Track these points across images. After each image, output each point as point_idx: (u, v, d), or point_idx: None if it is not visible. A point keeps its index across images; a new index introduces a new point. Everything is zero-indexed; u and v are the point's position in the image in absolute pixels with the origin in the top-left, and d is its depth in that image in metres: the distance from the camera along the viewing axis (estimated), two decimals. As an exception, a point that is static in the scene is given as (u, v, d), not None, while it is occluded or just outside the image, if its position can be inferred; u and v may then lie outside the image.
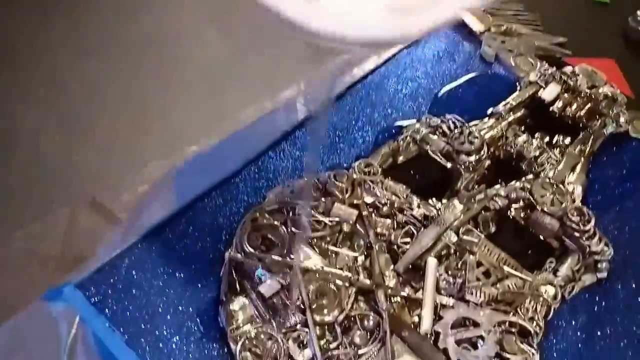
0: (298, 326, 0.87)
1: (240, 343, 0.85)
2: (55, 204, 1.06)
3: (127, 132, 1.21)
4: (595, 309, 0.98)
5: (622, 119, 1.22)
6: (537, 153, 1.14)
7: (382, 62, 1.30)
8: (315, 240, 0.97)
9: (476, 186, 1.08)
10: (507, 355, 0.87)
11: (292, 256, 0.93)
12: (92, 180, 1.14)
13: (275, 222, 0.98)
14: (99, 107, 1.25)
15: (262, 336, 0.86)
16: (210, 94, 1.28)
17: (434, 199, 1.06)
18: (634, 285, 1.01)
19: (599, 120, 1.22)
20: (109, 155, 1.18)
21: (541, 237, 1.04)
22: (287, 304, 0.89)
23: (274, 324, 0.88)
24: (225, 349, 0.88)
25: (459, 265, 0.96)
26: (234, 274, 0.92)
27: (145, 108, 1.25)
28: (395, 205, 1.03)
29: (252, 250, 0.93)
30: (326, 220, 0.99)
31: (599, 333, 0.95)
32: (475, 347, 0.87)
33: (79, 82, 1.29)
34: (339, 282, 0.92)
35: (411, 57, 1.34)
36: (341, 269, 0.94)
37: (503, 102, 1.23)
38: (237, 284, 0.92)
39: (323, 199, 1.02)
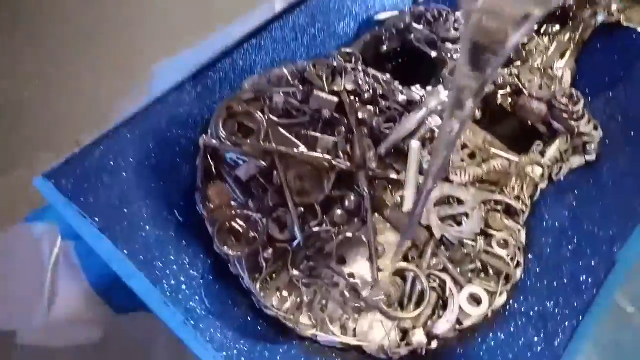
0: (278, 208, 0.84)
1: (217, 225, 0.82)
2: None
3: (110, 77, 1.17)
4: (583, 190, 0.96)
5: (614, 8, 1.17)
6: (525, 40, 1.09)
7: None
8: (294, 127, 0.93)
9: (462, 74, 1.04)
10: (492, 232, 0.86)
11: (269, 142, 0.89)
12: (75, 126, 1.11)
13: (253, 109, 0.93)
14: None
15: (241, 218, 0.84)
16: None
17: (418, 85, 1.02)
18: (622, 168, 0.98)
19: (590, 9, 1.17)
20: (93, 100, 1.15)
21: (529, 123, 1.01)
22: (266, 187, 0.86)
23: (253, 207, 0.85)
24: (203, 237, 0.85)
25: (444, 148, 0.93)
26: (210, 161, 0.88)
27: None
28: (378, 92, 0.99)
29: (227, 136, 0.89)
30: (305, 107, 0.95)
31: (586, 212, 0.93)
32: (459, 224, 0.85)
33: (61, 26, 1.24)
34: (319, 166, 0.88)
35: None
36: (322, 154, 0.90)
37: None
38: (214, 170, 0.88)
39: (302, 87, 0.97)
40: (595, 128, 0.98)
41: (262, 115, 0.92)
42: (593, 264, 0.88)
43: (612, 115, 1.05)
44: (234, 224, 0.83)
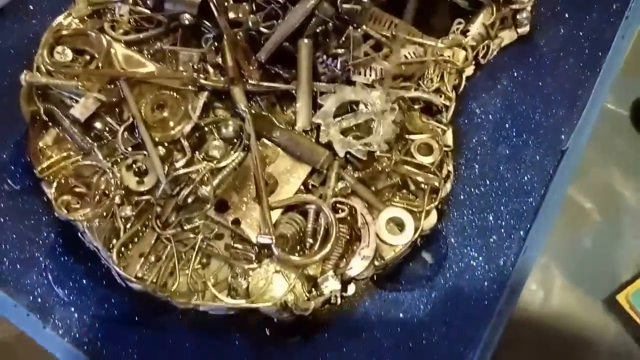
0: (133, 151, 0.65)
1: (55, 185, 0.62)
2: None
3: None
4: (518, 70, 0.78)
5: None
6: None
7: None
8: (143, 43, 0.72)
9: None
10: (412, 137, 0.68)
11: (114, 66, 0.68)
12: None
13: (88, 28, 0.71)
14: None
15: (85, 171, 0.64)
16: None
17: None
18: (562, 37, 0.81)
19: None
20: None
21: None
22: (112, 127, 0.66)
23: (99, 154, 0.65)
24: (44, 198, 0.66)
25: (341, 43, 0.73)
26: (38, 102, 0.67)
27: None
28: (253, -16, 0.77)
29: (55, 66, 0.67)
30: (159, 16, 0.73)
31: (523, 98, 0.76)
32: (369, 134, 0.67)
33: None
34: (181, 87, 0.68)
35: None
36: (184, 72, 0.70)
37: None
38: (45, 114, 0.67)
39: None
40: (526, -8, 0.79)
41: (99, 34, 0.70)
42: (538, 158, 0.72)
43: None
44: (76, 180, 0.63)
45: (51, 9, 0.77)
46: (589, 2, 0.83)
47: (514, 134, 0.73)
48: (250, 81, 0.69)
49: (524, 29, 0.79)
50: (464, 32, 0.77)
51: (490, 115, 0.74)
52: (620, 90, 0.92)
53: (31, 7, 0.78)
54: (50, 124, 0.67)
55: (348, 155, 0.65)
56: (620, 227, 0.86)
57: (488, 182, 0.70)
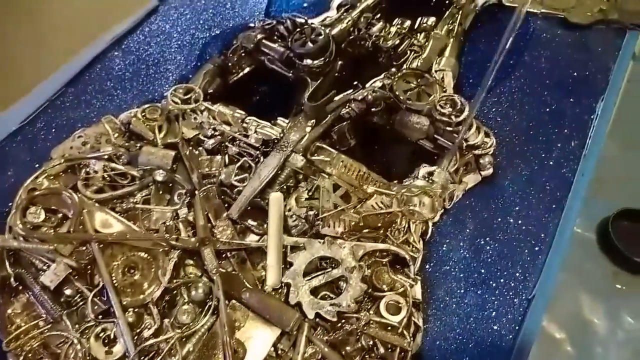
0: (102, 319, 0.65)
1: (22, 358, 0.62)
2: None
3: None
4: (483, 212, 0.81)
5: (492, -13, 1.03)
6: (397, 41, 0.93)
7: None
8: (116, 200, 0.74)
9: (327, 94, 0.86)
10: (380, 294, 0.69)
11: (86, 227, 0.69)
12: None
13: (62, 188, 0.73)
14: None
15: (53, 341, 0.63)
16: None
17: (279, 118, 0.84)
18: (524, 176, 0.84)
19: (467, -7, 1.03)
20: None
21: (414, 140, 0.85)
22: (83, 291, 0.66)
23: (68, 322, 0.64)
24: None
25: (312, 193, 0.76)
26: (8, 268, 0.67)
27: None
28: (226, 135, 0.80)
29: (27, 230, 0.68)
30: (133, 171, 0.75)
31: (491, 241, 0.78)
32: (339, 293, 0.68)
33: None
34: (153, 248, 0.69)
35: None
36: (156, 230, 0.71)
37: (353, -11, 1.01)
38: (15, 279, 0.67)
39: (128, 144, 0.78)
40: (487, 135, 0.83)
41: (72, 194, 0.72)
42: (506, 308, 0.73)
43: (506, 114, 0.91)
44: (44, 350, 0.63)
45: (27, 161, 0.79)
46: (549, 142, 0.86)
47: (482, 281, 0.75)
48: (221, 239, 0.71)
49: (488, 172, 0.82)
50: (429, 178, 0.79)
51: (458, 263, 0.76)
52: (584, 213, 0.95)
53: (9, 159, 0.80)
54: (20, 287, 0.67)
55: (317, 317, 0.66)
56: (592, 358, 0.87)
57: (458, 336, 0.70)
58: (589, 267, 0.96)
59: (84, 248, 0.69)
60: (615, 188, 1.08)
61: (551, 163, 0.85)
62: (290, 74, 0.89)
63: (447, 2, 1.02)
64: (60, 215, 0.72)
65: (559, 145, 0.87)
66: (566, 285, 0.92)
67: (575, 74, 0.95)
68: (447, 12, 0.99)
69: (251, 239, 0.72)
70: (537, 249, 0.77)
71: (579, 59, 0.97)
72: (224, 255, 0.71)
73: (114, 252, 0.69)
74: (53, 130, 0.82)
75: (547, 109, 0.91)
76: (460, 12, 1.00)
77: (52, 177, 0.74)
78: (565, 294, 0.92)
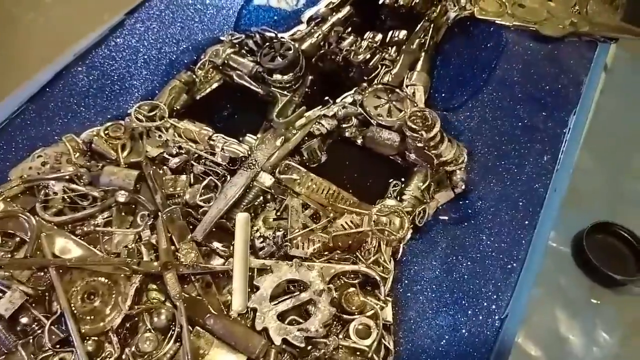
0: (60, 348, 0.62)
1: (-28, 394, 0.59)
2: None
3: None
4: (455, 231, 0.79)
5: (464, 0, 1.03)
6: (368, 56, 0.92)
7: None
8: (76, 223, 0.71)
9: (297, 110, 0.85)
10: (349, 317, 0.67)
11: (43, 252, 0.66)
12: None
13: (19, 210, 0.70)
14: None
15: (6, 374, 0.60)
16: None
17: (248, 135, 0.82)
18: (497, 192, 0.83)
19: (439, 6, 1.02)
20: None
21: (385, 156, 0.84)
22: (40, 319, 0.63)
23: (24, 353, 0.62)
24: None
25: (280, 213, 0.74)
26: (-39, 296, 0.64)
27: None
28: (191, 154, 0.78)
29: (-20, 256, 0.65)
30: (94, 192, 0.73)
31: (461, 260, 0.77)
32: (308, 316, 0.66)
33: None
34: (115, 273, 0.67)
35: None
36: (117, 254, 0.69)
37: (324, 1, 0.99)
38: (-32, 309, 0.64)
39: (89, 164, 0.75)
40: (459, 152, 0.82)
41: (30, 218, 0.69)
42: (478, 329, 0.71)
43: (478, 128, 0.90)
44: (-4, 384, 0.60)
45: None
46: (521, 157, 0.85)
47: (454, 301, 0.73)
48: (184, 263, 0.68)
49: (460, 188, 0.81)
50: (400, 195, 0.78)
51: (430, 282, 0.74)
52: (560, 227, 0.94)
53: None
54: (-27, 319, 0.64)
55: (284, 344, 0.64)
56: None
57: (430, 359, 0.69)
58: (564, 281, 0.95)
59: (42, 273, 0.66)
60: (590, 200, 1.08)
61: (524, 178, 0.84)
62: (260, 90, 0.87)
63: (419, 15, 1.01)
64: (17, 239, 0.69)
65: (531, 159, 0.86)
66: (542, 300, 0.91)
67: (547, 87, 0.95)
68: (419, 26, 0.98)
69: (217, 262, 0.70)
70: (509, 266, 0.76)
71: (551, 72, 0.96)
72: (188, 279, 0.68)
73: (73, 278, 0.66)
74: (13, 149, 0.79)
75: (520, 123, 0.90)
76: (432, 25, 0.99)
77: (9, 199, 0.71)
78: (541, 309, 0.91)
